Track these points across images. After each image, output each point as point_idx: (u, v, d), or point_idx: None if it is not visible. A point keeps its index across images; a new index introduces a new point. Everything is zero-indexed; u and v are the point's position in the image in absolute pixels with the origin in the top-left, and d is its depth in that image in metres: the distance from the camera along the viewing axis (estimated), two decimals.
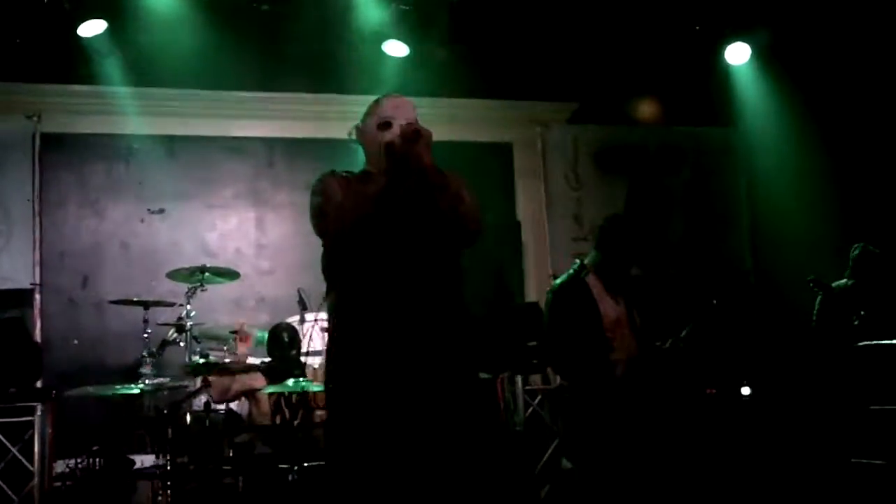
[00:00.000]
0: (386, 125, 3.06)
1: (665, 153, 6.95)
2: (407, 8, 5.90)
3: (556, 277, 5.78)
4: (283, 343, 5.23)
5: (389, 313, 2.93)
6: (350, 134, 3.21)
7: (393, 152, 2.99)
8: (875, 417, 4.58)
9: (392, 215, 2.96)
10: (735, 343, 4.63)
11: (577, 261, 4.24)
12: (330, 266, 3.09)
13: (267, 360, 5.37)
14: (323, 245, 3.08)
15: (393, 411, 2.89)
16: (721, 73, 6.75)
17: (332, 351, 3.07)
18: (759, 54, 6.75)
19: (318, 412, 5.01)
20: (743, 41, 6.63)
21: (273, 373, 5.19)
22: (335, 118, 6.38)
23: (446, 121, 6.39)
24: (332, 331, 3.07)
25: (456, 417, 2.94)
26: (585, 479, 4.08)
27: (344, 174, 3.13)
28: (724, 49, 6.68)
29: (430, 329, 2.95)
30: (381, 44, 6.23)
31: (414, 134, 2.97)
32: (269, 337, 5.32)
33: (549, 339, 4.14)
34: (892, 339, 4.66)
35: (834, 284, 5.57)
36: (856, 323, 5.09)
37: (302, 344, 5.35)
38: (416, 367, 2.92)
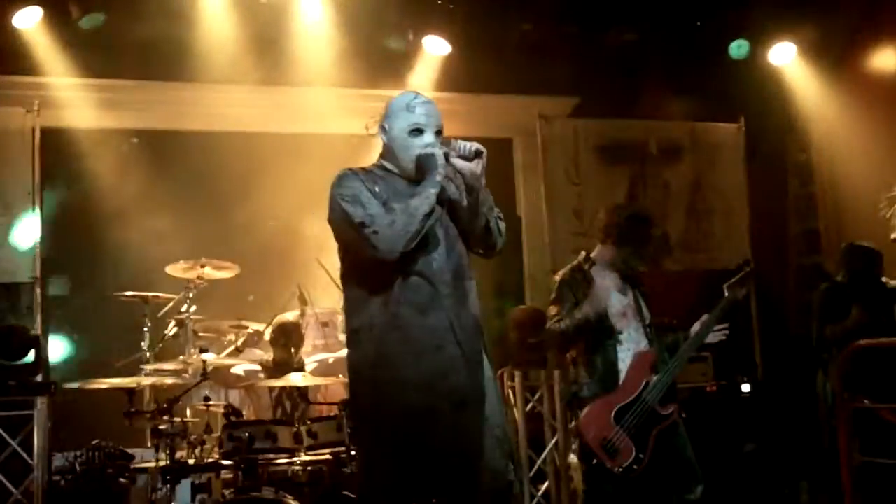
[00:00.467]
0: (418, 132, 3.07)
1: (666, 147, 6.94)
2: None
3: (555, 273, 5.78)
4: (287, 339, 5.23)
5: (422, 323, 2.96)
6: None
7: (432, 164, 3.00)
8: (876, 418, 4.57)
9: (434, 230, 3.01)
10: (737, 339, 4.62)
11: (584, 252, 4.22)
12: (353, 273, 3.09)
13: (268, 356, 5.38)
14: (348, 249, 3.08)
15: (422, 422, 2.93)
16: (723, 68, 6.74)
17: (359, 358, 3.07)
18: (762, 49, 6.75)
19: (318, 406, 5.03)
20: (744, 37, 6.63)
21: (274, 368, 5.20)
22: (338, 113, 6.40)
23: (446, 116, 6.34)
24: (355, 334, 3.07)
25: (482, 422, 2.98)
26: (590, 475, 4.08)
27: (363, 171, 3.12)
28: (727, 44, 6.68)
29: (462, 338, 2.99)
30: (382, 38, 6.23)
31: (476, 153, 3.00)
32: (272, 332, 5.33)
33: (555, 327, 4.10)
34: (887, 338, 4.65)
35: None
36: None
37: (305, 340, 5.37)
38: (450, 382, 2.95)
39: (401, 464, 2.93)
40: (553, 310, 4.15)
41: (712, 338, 4.20)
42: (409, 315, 2.97)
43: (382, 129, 3.14)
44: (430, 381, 2.94)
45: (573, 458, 4.51)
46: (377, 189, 3.03)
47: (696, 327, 4.20)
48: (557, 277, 4.23)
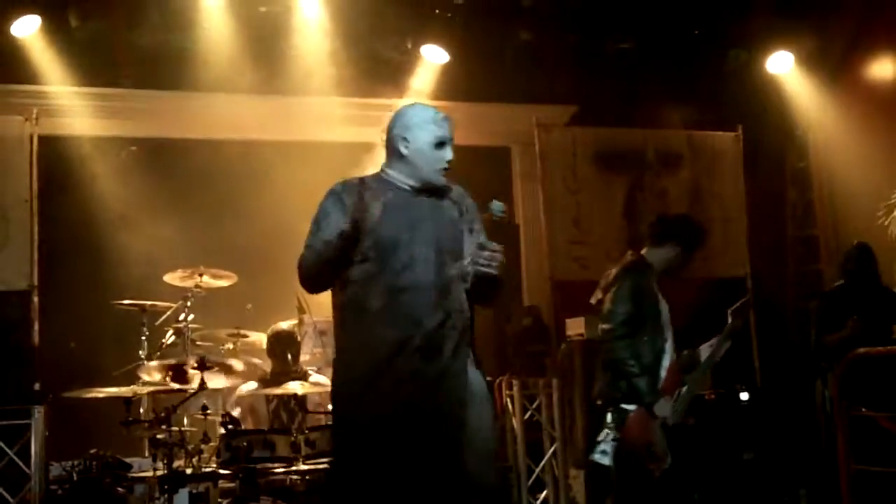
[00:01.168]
0: (442, 145, 3.13)
1: (665, 156, 6.94)
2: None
3: (553, 280, 5.78)
4: (283, 349, 5.20)
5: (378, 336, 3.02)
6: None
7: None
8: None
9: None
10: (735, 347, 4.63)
11: (632, 252, 4.26)
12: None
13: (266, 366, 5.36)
14: None
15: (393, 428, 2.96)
16: (721, 76, 6.76)
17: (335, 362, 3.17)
18: (760, 58, 6.77)
19: (316, 416, 5.01)
20: (742, 46, 6.66)
21: (272, 378, 5.17)
22: (337, 121, 6.41)
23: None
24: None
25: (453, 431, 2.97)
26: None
27: (358, 182, 3.15)
28: (725, 53, 6.70)
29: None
30: (380, 47, 6.24)
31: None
32: (268, 342, 5.30)
33: (617, 320, 4.07)
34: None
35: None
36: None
37: (302, 349, 5.34)
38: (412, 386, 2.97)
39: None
40: (608, 304, 4.11)
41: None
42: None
43: (403, 140, 3.14)
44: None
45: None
46: (359, 201, 3.07)
47: (706, 349, 4.26)
48: (615, 271, 4.19)
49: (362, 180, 3.16)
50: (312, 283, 3.13)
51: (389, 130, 3.17)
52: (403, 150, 3.13)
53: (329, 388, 5.01)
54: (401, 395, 2.96)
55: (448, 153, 3.13)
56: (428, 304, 3.01)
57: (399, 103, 6.47)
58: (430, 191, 3.14)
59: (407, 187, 3.14)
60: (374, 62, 6.26)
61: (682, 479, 4.08)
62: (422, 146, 3.11)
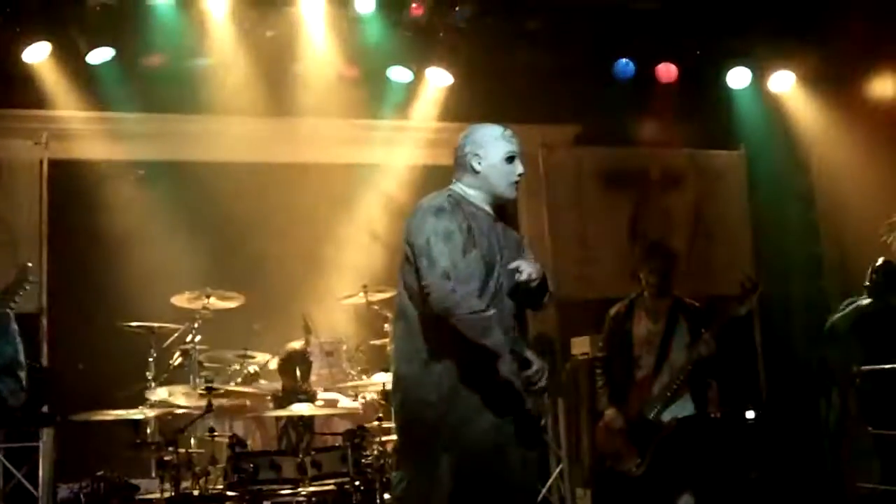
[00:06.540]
0: (512, 159, 3.32)
1: (668, 175, 6.97)
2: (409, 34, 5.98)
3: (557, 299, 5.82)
4: (295, 368, 5.22)
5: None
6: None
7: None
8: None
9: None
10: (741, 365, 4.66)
11: None
12: None
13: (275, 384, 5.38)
14: None
15: None
16: (723, 96, 6.80)
17: None
18: (761, 78, 6.81)
19: (323, 437, 5.03)
20: (744, 65, 6.71)
21: (283, 397, 5.18)
22: (343, 144, 6.46)
23: (449, 146, 6.37)
24: None
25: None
26: None
27: (455, 204, 3.27)
28: (726, 73, 6.75)
29: None
30: (385, 69, 6.30)
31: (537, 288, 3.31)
32: (280, 361, 5.32)
33: None
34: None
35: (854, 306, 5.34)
36: None
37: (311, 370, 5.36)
38: None
39: None
40: None
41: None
42: None
43: (475, 157, 3.29)
44: None
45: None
46: (477, 235, 3.26)
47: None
48: None
49: (457, 202, 3.28)
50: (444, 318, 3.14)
51: (461, 149, 3.34)
52: (477, 167, 3.29)
53: (336, 410, 5.10)
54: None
55: (519, 167, 3.32)
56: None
57: (404, 124, 6.58)
58: (499, 214, 3.35)
59: (487, 209, 3.32)
60: (379, 85, 6.32)
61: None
62: (494, 161, 3.28)
